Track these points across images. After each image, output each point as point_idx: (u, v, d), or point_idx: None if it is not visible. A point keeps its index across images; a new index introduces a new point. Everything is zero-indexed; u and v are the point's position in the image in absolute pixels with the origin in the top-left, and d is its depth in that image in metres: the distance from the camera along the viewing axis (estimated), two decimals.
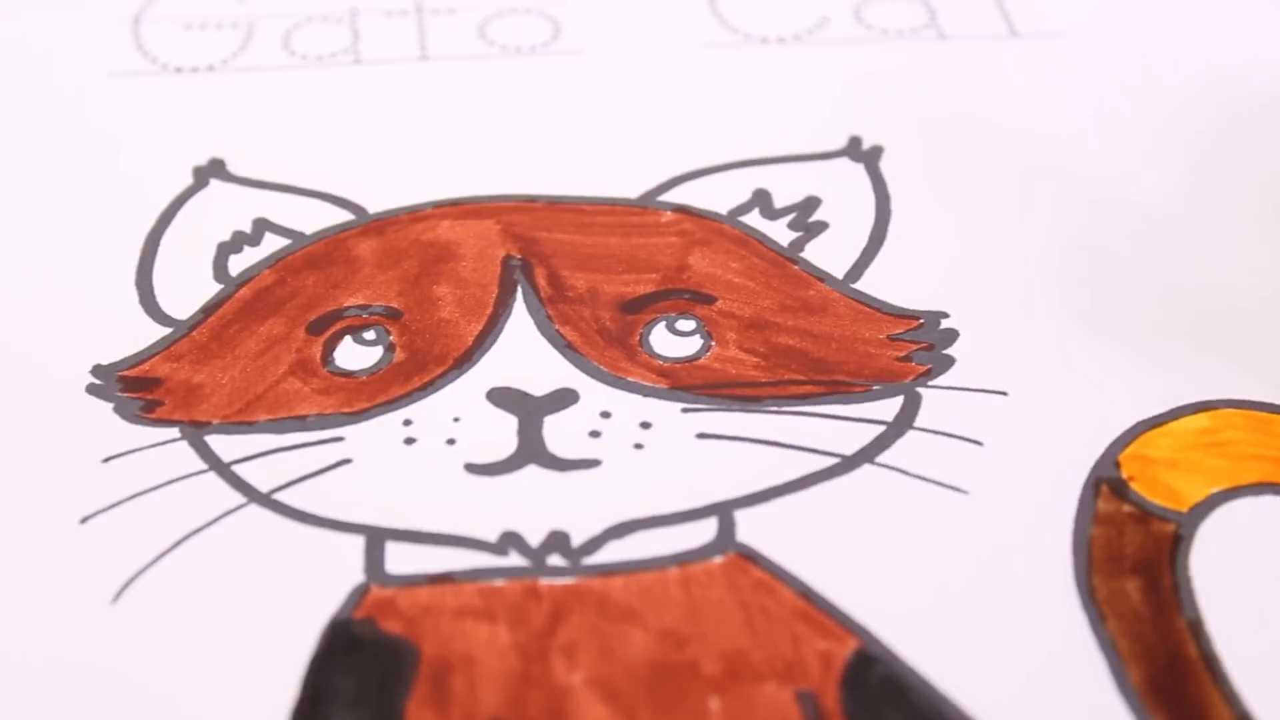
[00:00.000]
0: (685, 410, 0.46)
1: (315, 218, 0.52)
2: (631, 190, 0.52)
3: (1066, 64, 0.58)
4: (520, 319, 0.48)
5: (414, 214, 0.52)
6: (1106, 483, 0.44)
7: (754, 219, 0.51)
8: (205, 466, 0.45)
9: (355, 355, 0.47)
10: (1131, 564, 0.42)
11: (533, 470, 0.44)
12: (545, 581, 0.42)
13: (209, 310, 0.49)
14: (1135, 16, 0.60)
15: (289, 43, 0.59)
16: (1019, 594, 0.42)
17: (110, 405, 0.46)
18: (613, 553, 0.43)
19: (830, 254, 0.50)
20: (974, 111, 0.56)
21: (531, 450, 0.45)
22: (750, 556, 0.42)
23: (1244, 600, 0.42)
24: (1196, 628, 0.41)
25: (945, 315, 0.48)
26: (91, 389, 0.47)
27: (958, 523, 0.43)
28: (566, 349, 0.47)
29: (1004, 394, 0.46)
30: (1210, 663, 0.40)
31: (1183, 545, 0.43)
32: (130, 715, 0.40)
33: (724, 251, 0.50)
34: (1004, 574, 0.42)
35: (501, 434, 0.45)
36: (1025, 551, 0.43)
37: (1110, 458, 0.45)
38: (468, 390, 0.46)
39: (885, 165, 0.53)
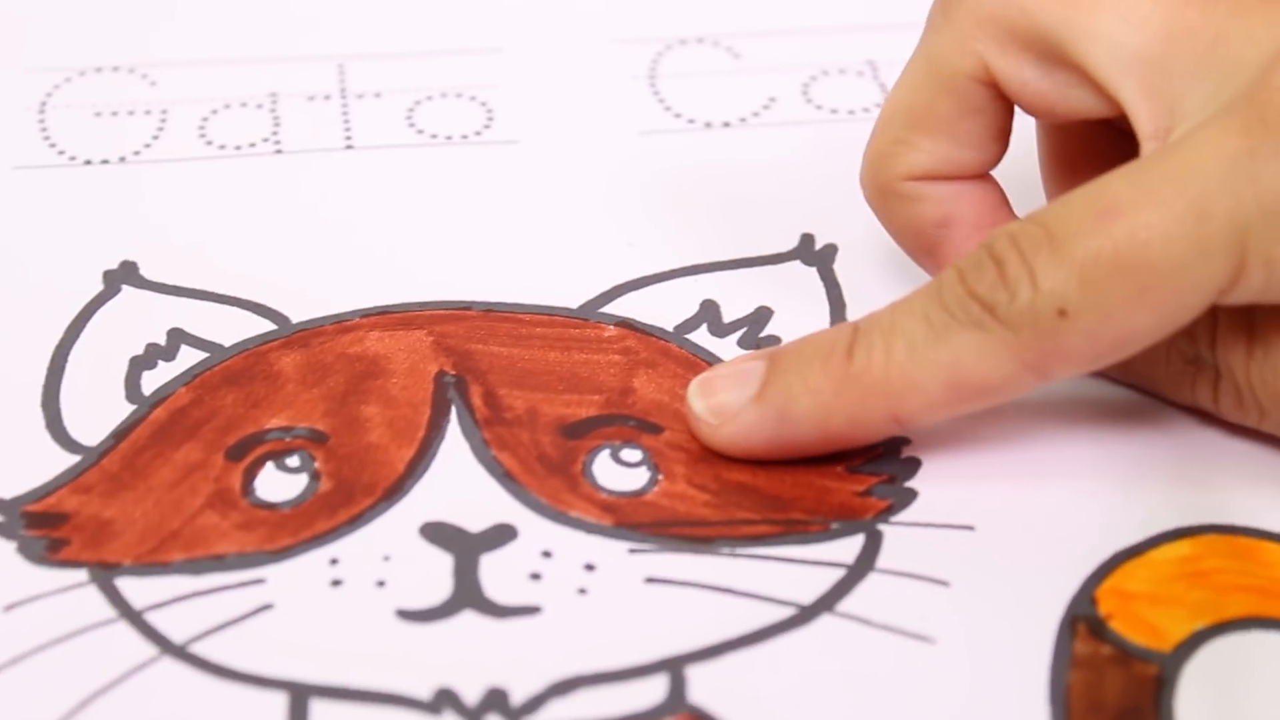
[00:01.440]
0: (632, 551, 0.43)
1: (235, 327, 0.49)
2: (572, 297, 0.50)
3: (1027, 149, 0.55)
4: (455, 443, 0.45)
5: (340, 324, 0.49)
6: (1084, 621, 0.42)
7: (702, 335, 0.49)
8: (115, 614, 0.42)
9: (278, 484, 0.44)
10: (1113, 712, 0.40)
11: (469, 617, 0.41)
12: None
13: (120, 435, 0.46)
14: None
15: (206, 131, 0.56)
16: None
17: (14, 544, 0.43)
18: (556, 712, 0.40)
19: None
20: None
21: (467, 594, 0.42)
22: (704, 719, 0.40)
23: None
24: None
25: (906, 442, 0.46)
26: None
27: (923, 675, 0.40)
28: (505, 478, 0.44)
29: (970, 528, 0.44)
30: None
31: (1166, 688, 0.40)
32: None
33: (671, 375, 0.47)
34: None
35: (435, 574, 0.42)
36: (998, 703, 0.40)
37: (1087, 593, 0.42)
38: (399, 524, 0.43)
39: (840, 266, 0.51)
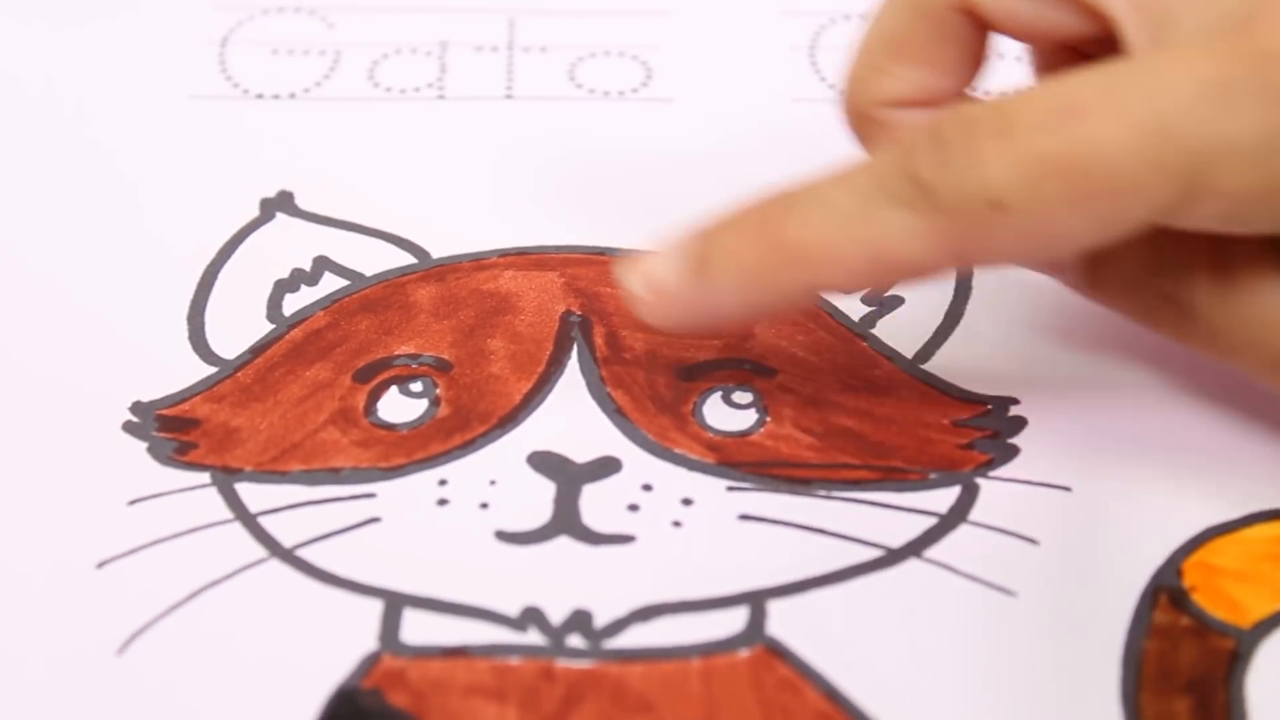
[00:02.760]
0: (731, 489, 0.44)
1: (378, 259, 0.50)
2: None
3: None
4: (572, 378, 0.46)
5: (477, 261, 0.50)
6: (1166, 592, 0.41)
7: None
8: (231, 516, 0.43)
9: (399, 407, 0.46)
10: (1184, 681, 0.40)
11: (564, 542, 0.42)
12: (562, 663, 0.40)
13: (257, 351, 0.48)
14: None
15: (374, 74, 0.57)
16: (1058, 710, 0.39)
17: (145, 445, 0.45)
18: (635, 637, 0.41)
19: (903, 331, 0.48)
20: None
21: (565, 521, 0.43)
22: (778, 651, 0.40)
23: None
24: None
25: (1015, 401, 0.46)
26: (128, 426, 0.46)
27: (1001, 627, 0.41)
28: (615, 413, 0.45)
29: (1067, 489, 0.44)
30: None
31: (1240, 663, 0.40)
32: None
33: (791, 323, 0.48)
34: (1045, 686, 0.40)
35: (537, 501, 0.43)
36: (1070, 663, 0.40)
37: (1174, 565, 0.42)
38: (509, 451, 0.45)
39: None
